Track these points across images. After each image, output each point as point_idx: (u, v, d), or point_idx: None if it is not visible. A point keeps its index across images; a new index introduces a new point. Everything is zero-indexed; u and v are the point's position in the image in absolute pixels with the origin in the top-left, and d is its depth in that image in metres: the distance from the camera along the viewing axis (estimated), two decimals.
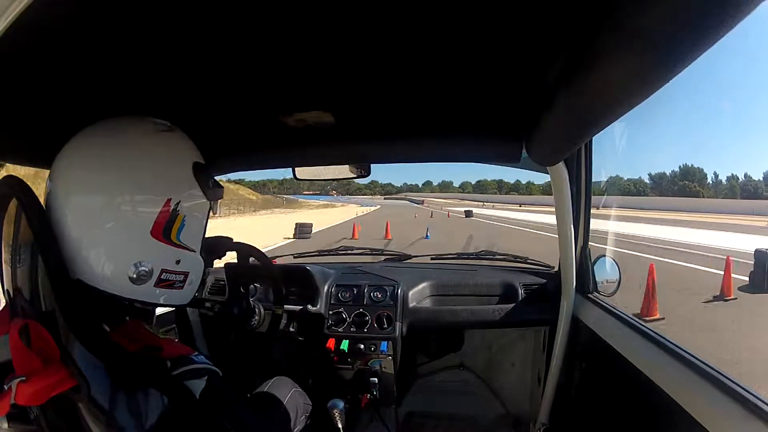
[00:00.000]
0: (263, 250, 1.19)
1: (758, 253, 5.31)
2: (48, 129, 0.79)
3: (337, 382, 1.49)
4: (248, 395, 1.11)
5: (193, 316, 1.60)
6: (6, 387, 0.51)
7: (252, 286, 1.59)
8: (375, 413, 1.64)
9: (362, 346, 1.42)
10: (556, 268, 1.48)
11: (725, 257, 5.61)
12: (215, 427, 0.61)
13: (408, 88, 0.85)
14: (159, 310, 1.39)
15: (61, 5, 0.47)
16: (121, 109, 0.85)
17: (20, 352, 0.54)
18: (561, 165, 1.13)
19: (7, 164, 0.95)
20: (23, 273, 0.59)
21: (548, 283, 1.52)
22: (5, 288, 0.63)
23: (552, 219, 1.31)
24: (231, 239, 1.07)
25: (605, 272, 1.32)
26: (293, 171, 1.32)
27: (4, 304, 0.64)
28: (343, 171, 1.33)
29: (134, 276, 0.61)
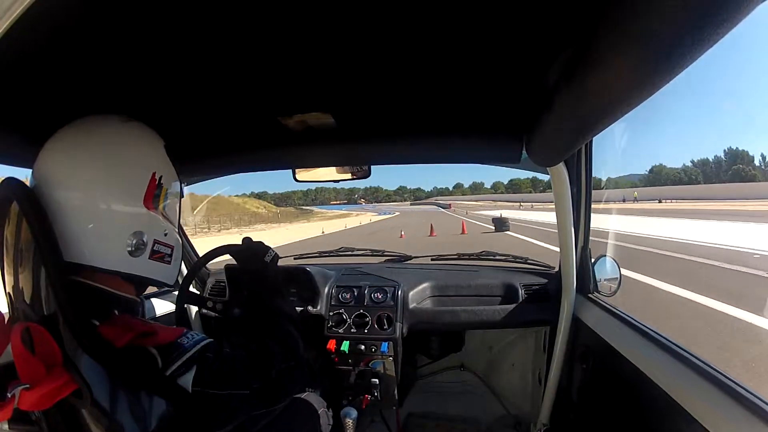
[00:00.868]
0: None
1: None
2: (45, 130, 0.80)
3: (338, 383, 1.49)
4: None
5: (194, 317, 1.60)
6: (9, 394, 0.51)
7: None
8: (376, 414, 1.64)
9: (363, 347, 1.42)
10: (557, 269, 1.48)
11: None
12: (207, 420, 0.61)
13: (408, 90, 0.85)
14: (159, 311, 1.40)
15: (62, 6, 0.47)
16: (123, 111, 0.85)
17: (23, 358, 0.53)
18: (561, 165, 1.13)
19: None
20: (24, 276, 0.59)
21: (549, 283, 1.52)
22: (6, 291, 0.62)
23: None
24: (230, 244, 1.08)
25: (606, 272, 1.32)
26: (293, 173, 1.32)
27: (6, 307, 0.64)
28: (343, 172, 1.33)
29: (132, 248, 0.65)
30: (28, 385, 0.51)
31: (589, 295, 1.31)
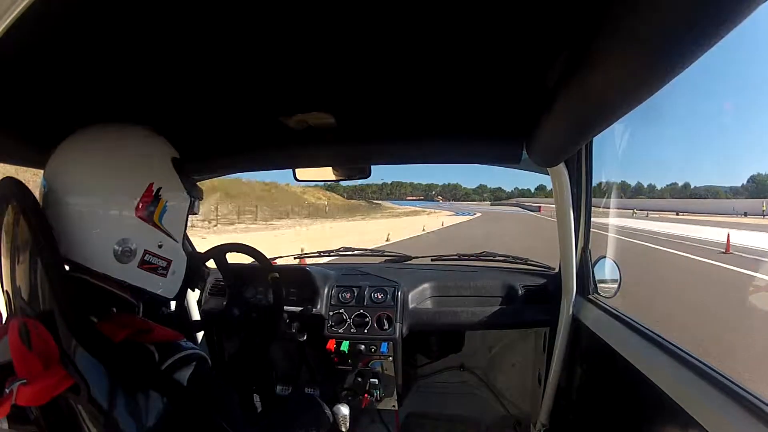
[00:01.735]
0: None
1: None
2: (43, 130, 0.80)
3: (338, 383, 1.49)
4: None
5: (194, 317, 1.60)
6: (7, 390, 0.51)
7: (252, 287, 1.59)
8: (375, 414, 1.64)
9: (363, 347, 1.42)
10: (557, 270, 1.48)
11: None
12: (203, 417, 0.61)
13: (409, 90, 0.85)
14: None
15: (62, 6, 0.47)
16: (125, 111, 0.86)
17: (21, 354, 0.54)
18: (561, 166, 1.13)
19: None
20: (22, 273, 0.59)
21: (549, 284, 1.52)
22: (4, 288, 0.63)
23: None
24: (232, 243, 1.08)
25: (605, 273, 1.32)
26: (293, 172, 1.32)
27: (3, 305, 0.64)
28: (342, 172, 1.33)
29: (119, 253, 0.65)
30: (25, 381, 0.51)
31: (589, 297, 1.31)
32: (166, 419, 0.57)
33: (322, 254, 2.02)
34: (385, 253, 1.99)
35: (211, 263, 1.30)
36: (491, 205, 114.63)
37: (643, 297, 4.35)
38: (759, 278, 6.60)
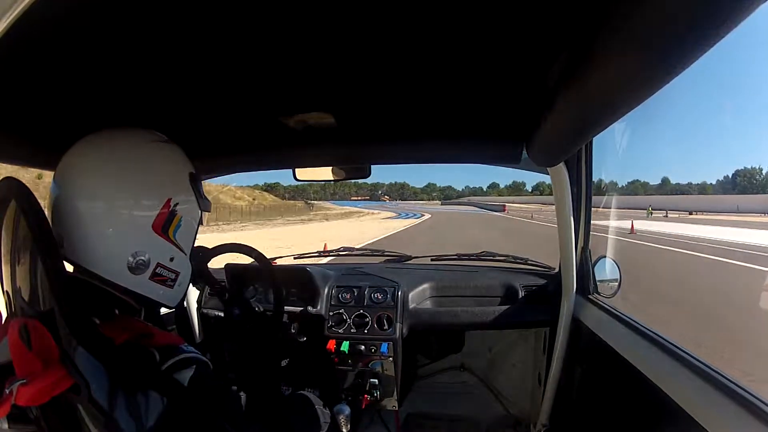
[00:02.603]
0: None
1: None
2: (50, 131, 0.80)
3: (338, 383, 1.49)
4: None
5: (194, 317, 1.60)
6: (7, 390, 0.51)
7: (252, 287, 1.60)
8: (375, 414, 1.64)
9: (363, 348, 1.42)
10: (557, 269, 1.48)
11: None
12: (204, 418, 0.61)
13: (409, 90, 0.85)
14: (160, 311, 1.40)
15: (64, 6, 0.47)
16: (125, 111, 0.86)
17: (20, 353, 0.54)
18: (561, 166, 1.13)
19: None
20: (22, 273, 0.59)
21: (549, 284, 1.52)
22: (4, 289, 0.63)
23: None
24: (232, 243, 1.08)
25: (606, 273, 1.32)
26: (293, 172, 1.32)
27: (3, 305, 0.64)
28: (342, 172, 1.33)
29: (133, 265, 0.65)
30: (25, 381, 0.51)
31: (589, 296, 1.31)
32: (166, 420, 0.56)
33: (322, 254, 2.02)
34: (385, 253, 2.00)
35: (211, 263, 1.30)
36: (442, 204, 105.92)
37: None
38: None
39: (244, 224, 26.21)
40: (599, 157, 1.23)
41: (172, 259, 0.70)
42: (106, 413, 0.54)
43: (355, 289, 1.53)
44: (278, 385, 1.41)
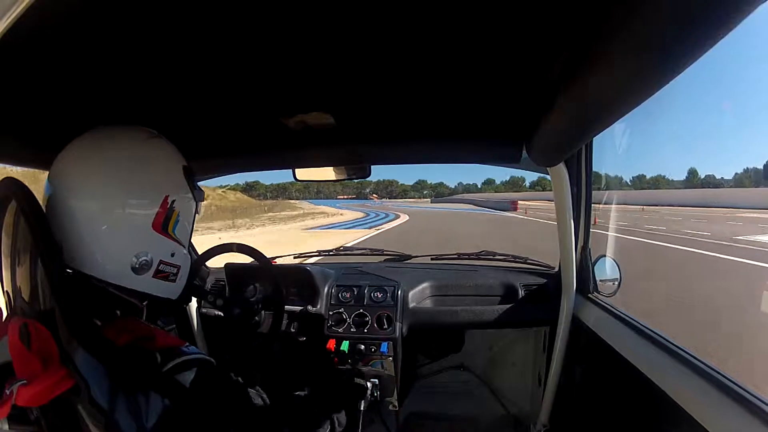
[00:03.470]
0: None
1: None
2: (46, 131, 0.80)
3: (338, 383, 1.49)
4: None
5: (194, 317, 1.60)
6: (8, 391, 0.51)
7: (252, 286, 1.60)
8: (375, 414, 1.64)
9: (363, 347, 1.42)
10: (557, 269, 1.48)
11: None
12: (207, 419, 0.61)
13: (408, 90, 0.85)
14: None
15: (63, 7, 0.47)
16: (125, 111, 0.85)
17: (20, 354, 0.54)
18: (561, 165, 1.13)
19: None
20: (22, 273, 0.59)
21: (548, 283, 1.52)
22: (4, 289, 0.63)
23: None
24: (232, 243, 1.08)
25: (605, 272, 1.32)
26: (293, 172, 1.32)
27: (4, 306, 0.64)
28: (342, 172, 1.33)
29: (136, 266, 0.65)
30: (25, 381, 0.51)
31: (589, 296, 1.31)
32: (167, 421, 0.56)
33: (321, 253, 2.02)
34: (385, 252, 2.00)
35: (211, 263, 1.30)
36: (432, 202, 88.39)
37: None
38: None
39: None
40: (599, 157, 1.22)
41: (173, 255, 0.71)
42: (106, 414, 0.54)
43: (354, 289, 1.53)
44: (279, 385, 1.41)
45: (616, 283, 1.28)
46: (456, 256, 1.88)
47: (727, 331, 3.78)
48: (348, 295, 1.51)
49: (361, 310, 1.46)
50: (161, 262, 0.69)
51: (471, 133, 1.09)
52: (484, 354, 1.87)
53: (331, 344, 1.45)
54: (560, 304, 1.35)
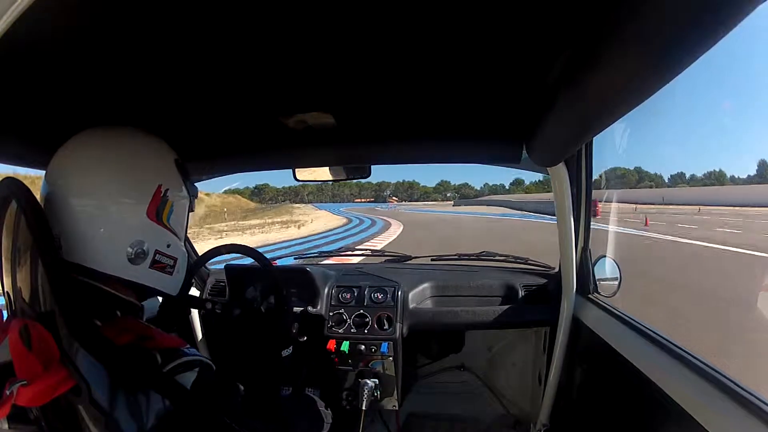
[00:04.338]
0: None
1: None
2: (44, 131, 0.80)
3: (338, 383, 1.49)
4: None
5: (194, 317, 1.60)
6: (8, 392, 0.51)
7: (252, 287, 1.60)
8: (375, 414, 1.64)
9: (363, 348, 1.42)
10: (557, 269, 1.48)
11: None
12: (208, 420, 0.61)
13: (409, 90, 0.85)
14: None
15: (63, 7, 0.47)
16: (124, 111, 0.85)
17: (21, 354, 0.54)
18: (561, 165, 1.13)
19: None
20: (22, 274, 0.59)
21: (549, 283, 1.52)
22: (5, 290, 0.63)
23: None
24: (232, 244, 1.08)
25: (605, 273, 1.32)
26: (293, 172, 1.32)
27: (4, 306, 0.64)
28: (342, 172, 1.33)
29: (132, 255, 0.66)
30: (25, 381, 0.51)
31: (589, 296, 1.31)
32: (167, 422, 0.56)
33: (322, 254, 2.03)
34: (385, 253, 2.00)
35: (211, 263, 1.30)
36: (454, 205, 71.61)
37: None
38: None
39: None
40: (599, 157, 1.22)
41: (168, 246, 0.72)
42: (106, 414, 0.54)
43: (355, 289, 1.53)
44: (279, 385, 1.41)
45: (616, 283, 1.28)
46: (456, 256, 1.88)
47: None
48: (348, 296, 1.51)
49: (362, 311, 1.46)
50: (157, 251, 0.70)
51: (471, 133, 1.09)
52: (485, 354, 1.87)
53: (332, 345, 1.45)
54: (560, 304, 1.35)
